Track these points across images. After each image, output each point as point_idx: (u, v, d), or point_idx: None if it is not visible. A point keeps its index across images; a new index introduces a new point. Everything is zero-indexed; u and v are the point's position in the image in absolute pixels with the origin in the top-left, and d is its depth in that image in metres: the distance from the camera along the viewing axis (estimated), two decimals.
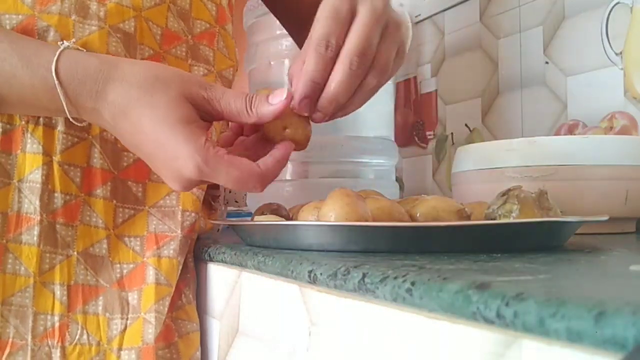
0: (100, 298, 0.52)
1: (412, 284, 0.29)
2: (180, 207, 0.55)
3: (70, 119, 0.47)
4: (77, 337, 0.51)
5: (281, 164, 0.45)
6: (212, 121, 0.46)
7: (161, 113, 0.43)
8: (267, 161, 0.45)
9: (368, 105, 0.57)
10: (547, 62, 0.94)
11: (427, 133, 1.21)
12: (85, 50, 0.47)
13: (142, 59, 0.54)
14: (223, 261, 0.51)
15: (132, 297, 0.53)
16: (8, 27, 0.48)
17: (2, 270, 0.49)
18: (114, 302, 0.52)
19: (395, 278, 0.30)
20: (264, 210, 0.55)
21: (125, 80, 0.44)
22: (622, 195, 0.62)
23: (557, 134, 0.91)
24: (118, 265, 0.53)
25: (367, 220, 0.44)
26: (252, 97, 0.45)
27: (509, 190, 0.45)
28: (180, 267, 0.55)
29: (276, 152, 0.46)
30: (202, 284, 0.57)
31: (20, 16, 0.48)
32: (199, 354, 0.55)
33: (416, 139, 1.24)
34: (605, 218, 0.46)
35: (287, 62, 1.03)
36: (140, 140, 0.44)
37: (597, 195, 0.62)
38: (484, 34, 1.06)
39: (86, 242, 0.52)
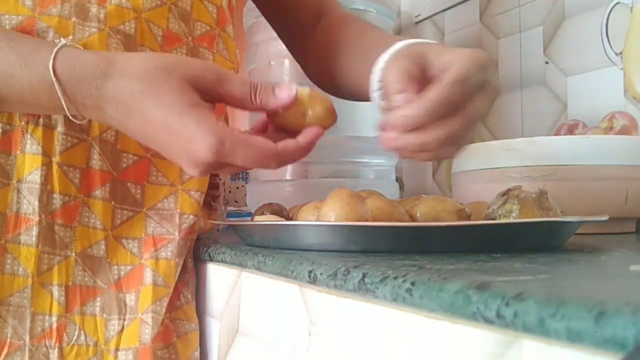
0: (98, 299, 0.52)
1: (412, 284, 0.28)
2: (179, 210, 0.55)
3: (70, 117, 0.46)
4: (75, 337, 0.51)
5: (306, 148, 0.45)
6: (214, 103, 0.46)
7: (167, 101, 0.43)
8: (288, 143, 0.45)
9: (368, 105, 0.57)
10: (547, 62, 0.94)
11: None
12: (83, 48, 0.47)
13: None
14: (223, 261, 0.51)
15: (130, 298, 0.53)
16: (7, 27, 0.48)
17: (1, 270, 0.48)
18: (111, 303, 0.52)
19: (395, 278, 0.30)
20: (264, 210, 0.55)
21: (125, 74, 0.44)
22: (622, 195, 0.62)
23: (557, 134, 0.91)
24: (116, 267, 0.53)
25: (367, 220, 0.44)
26: (258, 85, 0.46)
27: (509, 190, 0.45)
28: (179, 269, 0.54)
29: (301, 138, 0.45)
30: (202, 284, 0.57)
31: (20, 17, 0.48)
32: (197, 354, 0.55)
33: None
34: (605, 218, 0.46)
35: (287, 62, 1.03)
36: (150, 132, 0.44)
37: (597, 195, 0.62)
38: (484, 34, 1.06)
39: (84, 243, 0.51)
